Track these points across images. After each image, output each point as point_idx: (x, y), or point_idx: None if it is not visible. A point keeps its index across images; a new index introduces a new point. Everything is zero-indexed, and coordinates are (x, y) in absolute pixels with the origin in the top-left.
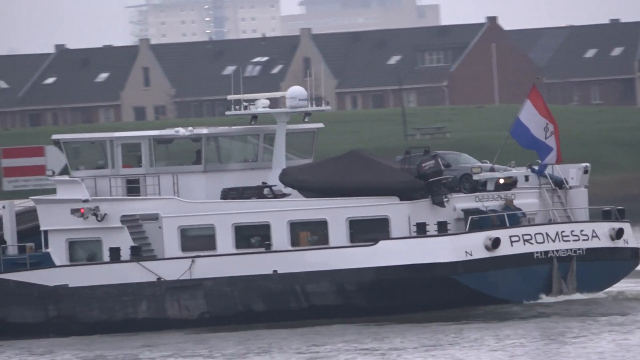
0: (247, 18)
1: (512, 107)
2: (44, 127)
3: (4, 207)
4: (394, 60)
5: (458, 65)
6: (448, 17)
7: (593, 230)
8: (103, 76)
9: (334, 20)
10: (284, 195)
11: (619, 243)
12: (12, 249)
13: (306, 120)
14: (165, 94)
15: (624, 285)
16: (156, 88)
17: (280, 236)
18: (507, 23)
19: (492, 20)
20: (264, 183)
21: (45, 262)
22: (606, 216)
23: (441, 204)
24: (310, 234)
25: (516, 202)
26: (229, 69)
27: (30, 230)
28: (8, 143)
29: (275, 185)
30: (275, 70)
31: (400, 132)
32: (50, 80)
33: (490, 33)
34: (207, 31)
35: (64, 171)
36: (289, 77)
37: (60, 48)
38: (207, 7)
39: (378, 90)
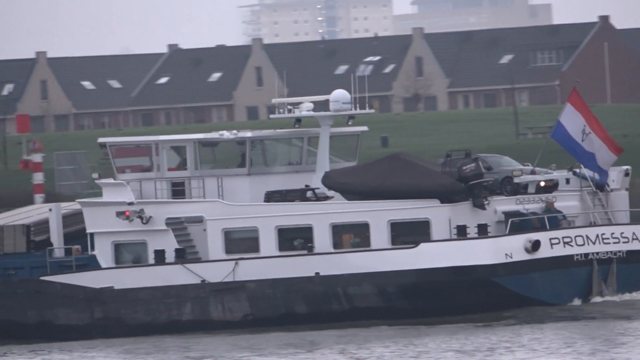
0: (359, 17)
1: (625, 106)
2: (157, 126)
3: (50, 209)
4: (505, 59)
5: (570, 64)
6: (560, 16)
7: (633, 233)
8: (216, 76)
9: (445, 19)
10: (326, 198)
11: None
12: (58, 251)
13: (350, 123)
14: (278, 94)
15: None
16: (269, 87)
17: (322, 239)
18: (620, 22)
19: (604, 19)
20: (306, 186)
21: (92, 264)
22: None
23: (482, 207)
24: (352, 236)
25: (557, 205)
26: (341, 69)
27: (78, 233)
28: None
29: (318, 188)
30: (387, 69)
31: (512, 132)
32: (163, 80)
33: (602, 32)
34: (320, 31)
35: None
36: (400, 77)
37: (173, 48)
38: (319, 6)
39: (490, 90)
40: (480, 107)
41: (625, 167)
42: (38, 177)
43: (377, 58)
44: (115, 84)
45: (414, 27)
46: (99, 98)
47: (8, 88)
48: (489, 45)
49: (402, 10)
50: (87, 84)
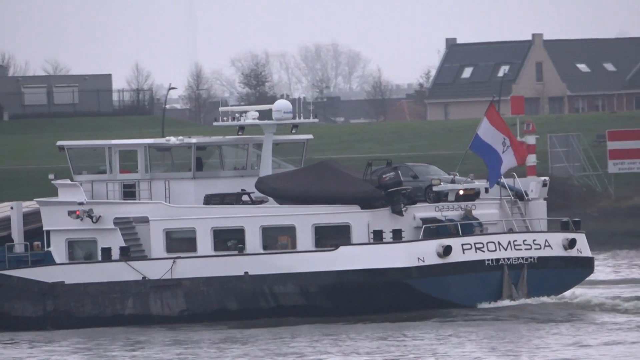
0: None
1: None
2: None
3: (12, 207)
4: None
5: None
6: None
7: (546, 240)
8: None
9: None
10: (262, 201)
11: (572, 252)
12: (19, 247)
13: (293, 131)
14: None
15: (577, 292)
16: None
17: (253, 240)
18: None
19: None
20: (242, 190)
21: (47, 260)
22: (564, 227)
23: (400, 213)
24: (280, 238)
25: (477, 213)
26: None
27: (39, 230)
28: (614, 126)
29: (254, 192)
30: None
31: None
32: None
33: None
34: None
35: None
36: None
37: None
38: None
39: None
40: None
41: (543, 178)
42: (531, 159)
43: None
44: (610, 67)
45: None
46: (594, 81)
47: (504, 69)
48: None
49: None
50: (582, 67)
